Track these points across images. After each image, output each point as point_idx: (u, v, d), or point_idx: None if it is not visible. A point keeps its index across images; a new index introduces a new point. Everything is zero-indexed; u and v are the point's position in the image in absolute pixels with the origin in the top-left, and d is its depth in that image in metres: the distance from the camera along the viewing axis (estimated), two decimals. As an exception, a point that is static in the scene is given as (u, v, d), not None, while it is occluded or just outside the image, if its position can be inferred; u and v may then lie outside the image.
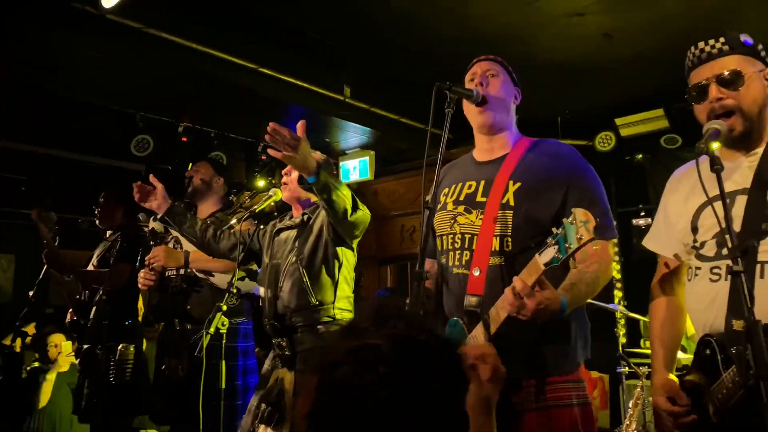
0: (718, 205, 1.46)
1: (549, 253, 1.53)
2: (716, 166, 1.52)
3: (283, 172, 2.90)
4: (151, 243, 3.42)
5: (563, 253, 1.50)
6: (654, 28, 4.17)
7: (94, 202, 4.05)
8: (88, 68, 4.24)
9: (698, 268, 1.68)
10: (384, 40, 4.44)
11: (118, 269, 3.70)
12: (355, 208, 2.46)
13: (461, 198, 1.98)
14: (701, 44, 1.68)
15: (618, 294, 5.83)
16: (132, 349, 3.56)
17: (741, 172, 1.64)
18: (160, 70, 4.31)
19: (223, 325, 2.69)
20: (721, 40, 1.65)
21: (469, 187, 1.98)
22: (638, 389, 4.12)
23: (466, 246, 1.90)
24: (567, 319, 1.85)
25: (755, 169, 1.61)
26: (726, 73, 1.62)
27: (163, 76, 4.44)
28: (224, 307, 2.65)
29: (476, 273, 1.85)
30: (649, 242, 1.94)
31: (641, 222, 5.78)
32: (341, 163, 6.26)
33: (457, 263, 1.93)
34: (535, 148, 1.99)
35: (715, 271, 1.62)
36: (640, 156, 5.71)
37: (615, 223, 6.13)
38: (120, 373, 3.48)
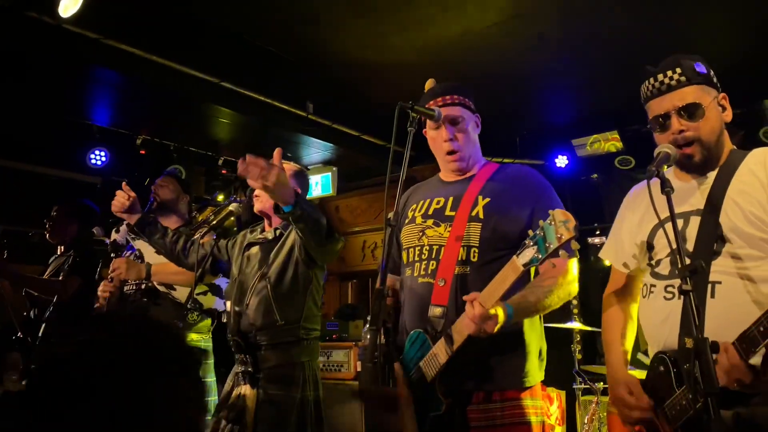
0: (671, 226, 1.52)
1: (528, 254, 1.58)
2: (666, 188, 1.59)
3: (256, 192, 2.78)
4: (112, 255, 3.33)
5: (543, 252, 1.54)
6: (610, 53, 4.33)
7: (46, 214, 3.92)
8: (44, 78, 4.13)
9: (653, 285, 1.74)
10: (347, 57, 4.47)
11: (68, 280, 3.59)
12: (329, 236, 2.37)
13: (430, 212, 2.04)
14: (660, 76, 1.72)
15: (574, 311, 5.95)
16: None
17: (695, 193, 1.70)
18: (117, 82, 4.23)
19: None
20: (678, 71, 1.70)
21: (438, 202, 2.05)
22: (593, 405, 4.20)
23: (433, 256, 1.96)
24: (525, 338, 1.93)
25: (708, 191, 1.66)
26: (686, 105, 1.67)
27: (121, 87, 4.35)
28: (182, 324, 2.59)
29: (441, 283, 1.90)
30: (605, 253, 2.01)
31: (596, 240, 5.93)
32: (303, 179, 6.24)
33: (422, 272, 1.97)
34: (501, 171, 2.09)
35: (669, 289, 1.67)
36: (596, 176, 5.88)
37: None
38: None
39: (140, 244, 3.43)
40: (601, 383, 4.38)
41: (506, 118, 5.44)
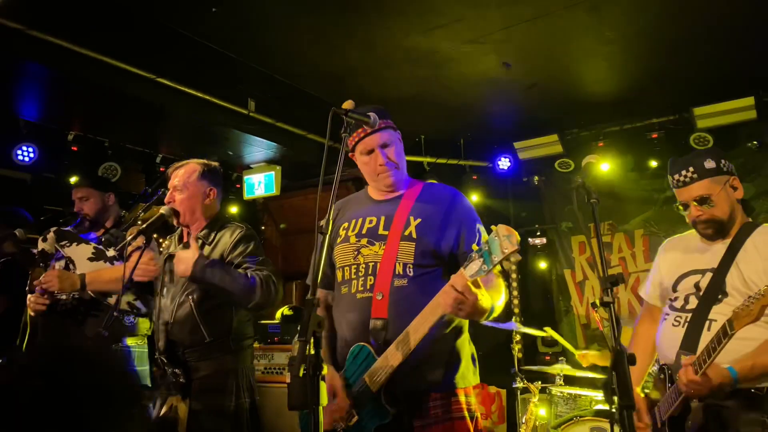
0: (694, 277, 2.18)
1: (474, 266, 1.72)
2: (592, 199, 1.65)
3: (166, 199, 2.69)
4: (41, 265, 3.16)
5: (489, 264, 1.68)
6: (551, 59, 4.41)
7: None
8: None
9: (667, 314, 2.26)
10: (290, 56, 4.40)
11: None
12: (250, 297, 2.40)
13: (363, 231, 2.15)
14: (676, 176, 2.22)
15: (515, 310, 6.05)
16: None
17: (713, 255, 2.20)
18: (44, 75, 4.01)
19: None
20: (691, 170, 2.18)
21: (370, 222, 2.16)
22: (531, 404, 4.28)
23: (370, 272, 2.07)
24: (458, 345, 2.09)
25: (722, 256, 2.16)
26: (698, 197, 2.18)
27: (49, 81, 4.14)
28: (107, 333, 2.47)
29: (379, 297, 2.01)
30: (642, 291, 2.51)
31: (537, 241, 6.06)
32: (245, 177, 6.10)
33: (360, 288, 2.07)
34: (427, 191, 2.23)
35: (677, 319, 2.19)
36: (537, 178, 5.99)
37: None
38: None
39: (70, 251, 3.28)
40: (539, 382, 4.48)
41: (451, 121, 5.48)
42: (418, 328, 1.86)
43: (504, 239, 1.64)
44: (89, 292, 3.09)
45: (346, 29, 4.05)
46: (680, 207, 2.27)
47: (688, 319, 2.13)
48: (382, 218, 2.15)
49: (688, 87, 4.85)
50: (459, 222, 2.11)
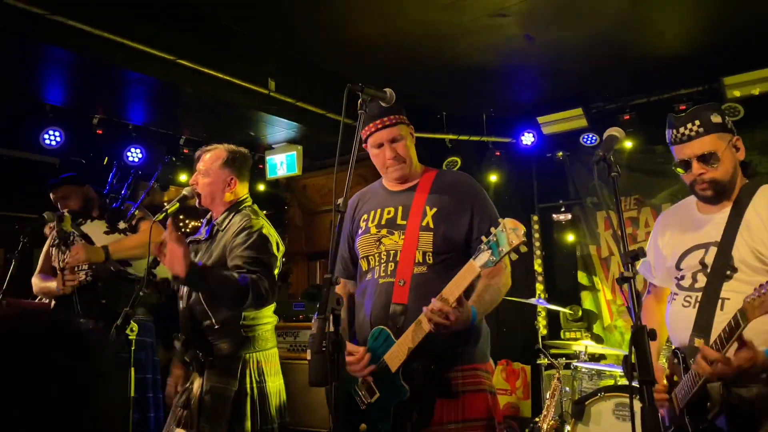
0: (698, 253, 2.02)
1: (483, 257, 1.85)
2: (613, 173, 1.62)
3: (191, 181, 2.74)
4: (72, 241, 3.27)
5: (496, 255, 1.82)
6: (575, 32, 4.31)
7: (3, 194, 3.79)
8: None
9: (676, 294, 2.12)
10: (310, 34, 4.37)
11: None
12: (240, 303, 2.44)
13: (383, 222, 2.25)
14: (681, 128, 2.02)
15: (539, 287, 6.02)
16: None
17: (714, 226, 2.05)
18: (67, 60, 4.06)
19: (132, 330, 2.55)
20: (697, 123, 2.00)
21: (388, 212, 2.26)
22: (555, 380, 4.28)
23: (391, 259, 2.17)
24: (477, 325, 2.14)
25: (724, 226, 2.01)
26: (703, 153, 1.99)
27: (73, 65, 4.19)
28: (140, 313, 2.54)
29: (401, 283, 2.12)
30: (641, 269, 2.34)
31: (561, 217, 5.98)
32: (267, 158, 6.14)
33: (383, 273, 2.17)
34: (440, 179, 2.31)
35: (687, 299, 2.05)
36: (561, 153, 5.89)
37: (536, 218, 6.31)
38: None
39: (86, 229, 3.39)
40: (563, 359, 4.46)
41: (473, 97, 5.41)
42: (424, 325, 1.94)
43: (511, 232, 1.78)
44: (115, 261, 3.19)
45: (365, 5, 4.01)
46: (678, 168, 2.08)
47: (698, 299, 1.99)
48: (399, 208, 2.23)
49: (720, 56, 4.70)
50: (470, 209, 2.20)
